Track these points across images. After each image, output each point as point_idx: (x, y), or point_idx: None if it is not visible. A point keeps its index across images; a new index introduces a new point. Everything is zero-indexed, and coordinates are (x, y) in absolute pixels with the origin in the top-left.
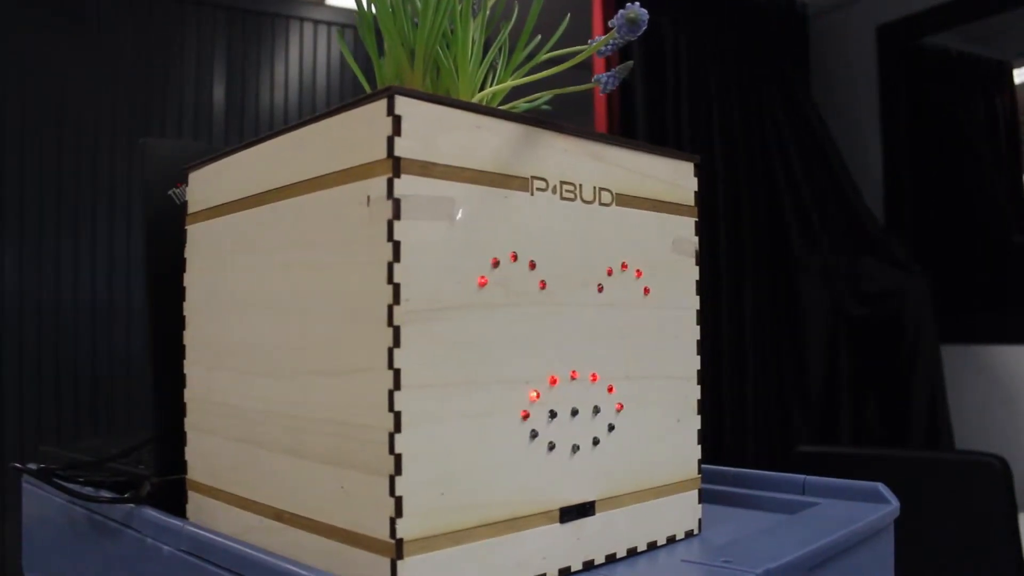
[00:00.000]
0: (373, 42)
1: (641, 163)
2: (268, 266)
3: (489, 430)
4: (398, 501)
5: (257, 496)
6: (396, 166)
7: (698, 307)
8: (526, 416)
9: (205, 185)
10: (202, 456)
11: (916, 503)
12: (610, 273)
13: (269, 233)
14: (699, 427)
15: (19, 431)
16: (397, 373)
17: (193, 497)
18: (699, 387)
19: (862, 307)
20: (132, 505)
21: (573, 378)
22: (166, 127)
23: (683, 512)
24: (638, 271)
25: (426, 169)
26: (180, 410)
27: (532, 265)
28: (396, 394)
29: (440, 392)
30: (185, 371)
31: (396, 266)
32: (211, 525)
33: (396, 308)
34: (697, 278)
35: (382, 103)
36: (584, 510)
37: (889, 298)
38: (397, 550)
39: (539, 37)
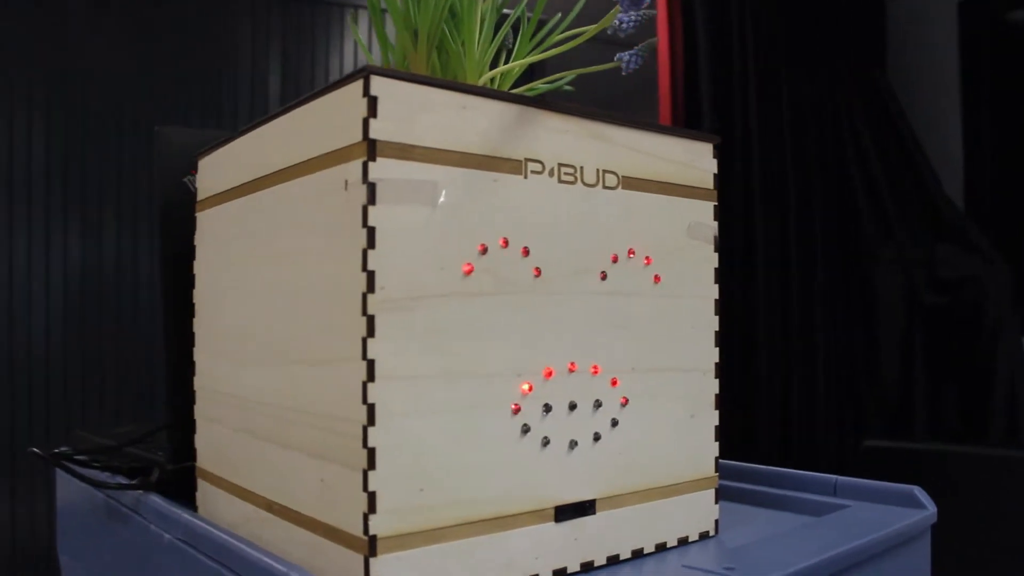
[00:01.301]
0: (381, 25)
1: (651, 144)
2: (259, 253)
3: (475, 424)
4: (371, 497)
5: (253, 486)
6: (371, 149)
7: (716, 296)
8: (517, 410)
9: (211, 172)
10: (208, 444)
11: (994, 503)
12: (615, 260)
13: (261, 219)
14: (716, 423)
15: (83, 415)
16: (371, 364)
17: (201, 485)
18: (717, 381)
19: (939, 296)
20: (140, 492)
21: (571, 371)
22: (222, 119)
23: (696, 512)
24: (647, 258)
25: (405, 152)
26: (191, 398)
27: (525, 252)
28: (370, 386)
29: (419, 384)
30: (195, 358)
31: (371, 253)
32: (214, 514)
33: (370, 296)
34: (716, 265)
35: (358, 84)
36: (583, 509)
37: (967, 287)
38: (370, 547)
39: (558, 15)
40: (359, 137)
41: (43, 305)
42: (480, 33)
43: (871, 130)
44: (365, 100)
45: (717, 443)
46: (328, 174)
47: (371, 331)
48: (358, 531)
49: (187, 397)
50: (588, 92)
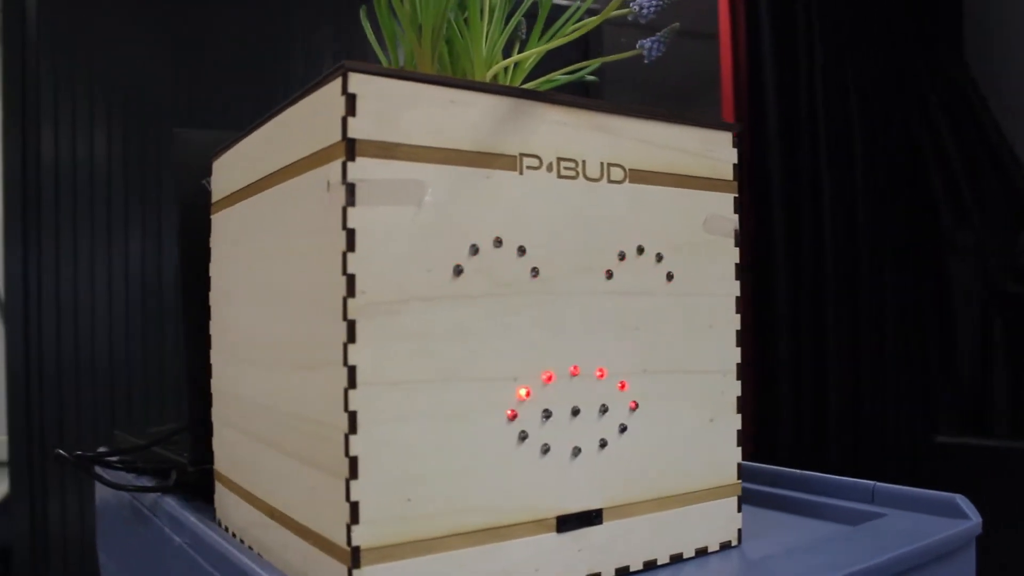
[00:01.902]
0: (388, 20)
1: (661, 134)
2: (258, 255)
3: (467, 431)
4: (353, 507)
5: (257, 491)
6: (350, 149)
7: (737, 293)
8: (514, 416)
9: (223, 173)
10: (222, 447)
11: None
12: (622, 258)
13: (259, 222)
14: (739, 427)
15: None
16: (352, 370)
17: (218, 488)
18: (739, 383)
19: (1020, 285)
20: (158, 494)
21: (574, 374)
22: None
23: (717, 521)
24: (658, 255)
25: (387, 150)
26: (209, 400)
27: (521, 251)
28: (351, 392)
29: (405, 390)
30: (211, 360)
31: (350, 256)
32: (227, 518)
33: (351, 301)
34: (737, 260)
35: (337, 82)
36: (588, 519)
37: None
38: (353, 558)
39: (576, 2)
40: (339, 137)
41: (107, 307)
42: (490, 24)
43: (946, 116)
44: (344, 98)
45: (740, 448)
46: (313, 175)
47: (352, 336)
48: (343, 541)
49: (206, 399)
50: (654, 85)
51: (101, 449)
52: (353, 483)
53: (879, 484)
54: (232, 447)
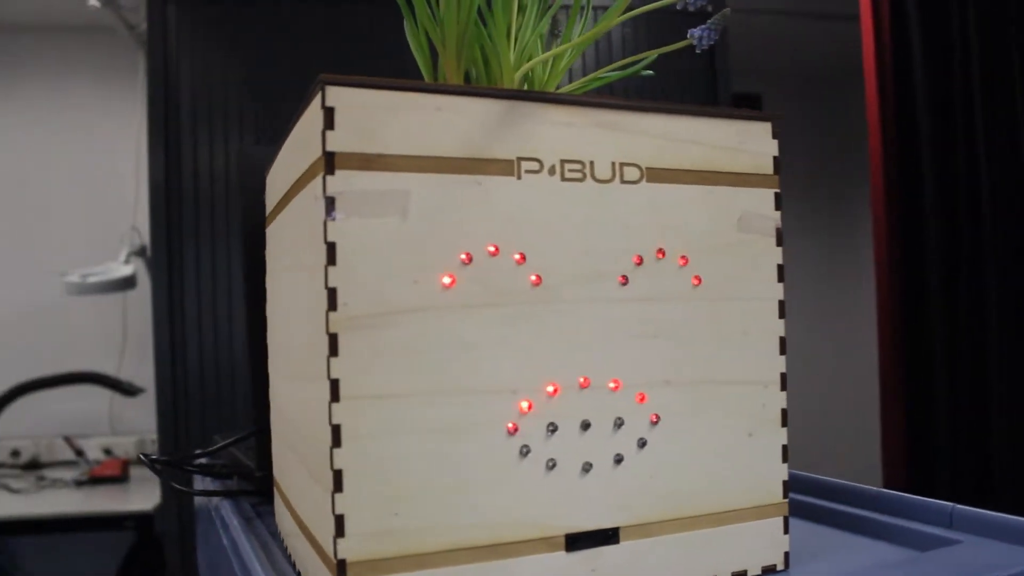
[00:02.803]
0: (415, 29)
1: (685, 129)
2: (283, 269)
3: (461, 445)
4: (339, 519)
5: (292, 500)
6: (329, 162)
7: (781, 297)
8: (514, 430)
9: (271, 188)
10: (275, 455)
11: None
12: (639, 262)
13: (281, 237)
14: (783, 442)
15: None
16: (335, 384)
17: (276, 493)
18: (784, 394)
19: None
20: (220, 498)
21: (583, 386)
22: None
23: (757, 543)
24: (683, 258)
25: (369, 162)
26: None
27: (521, 259)
28: (334, 406)
29: (393, 404)
30: (269, 370)
31: (331, 269)
32: (280, 524)
33: (332, 315)
34: (779, 261)
35: (319, 96)
36: (602, 538)
37: None
38: (339, 571)
39: None
40: (320, 151)
41: (243, 314)
42: (519, 23)
43: None
44: (323, 112)
45: (786, 465)
46: (308, 190)
47: (334, 350)
48: (332, 554)
49: (267, 407)
50: (790, 72)
51: (198, 452)
52: (338, 496)
53: (958, 507)
54: (279, 455)
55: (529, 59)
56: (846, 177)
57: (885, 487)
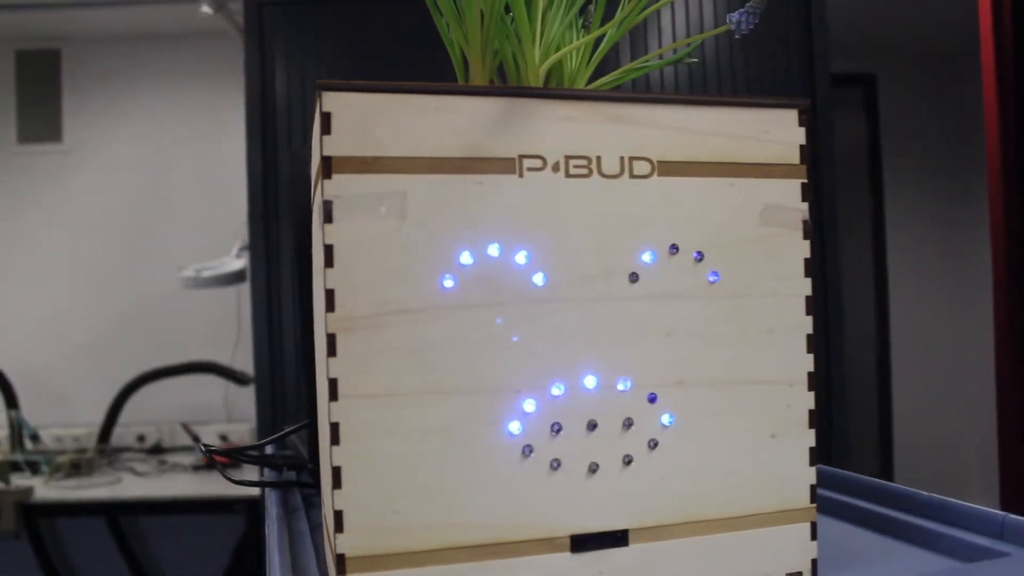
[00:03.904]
0: (446, 32)
1: (701, 120)
2: (315, 268)
3: (461, 444)
4: (337, 515)
5: (323, 494)
6: (327, 166)
7: (808, 292)
8: (517, 430)
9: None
10: (320, 447)
11: None
12: (651, 259)
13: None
14: (812, 444)
15: None
16: (333, 383)
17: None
18: (811, 394)
19: None
20: (268, 488)
21: (589, 386)
22: None
23: (782, 550)
24: (699, 253)
25: (367, 165)
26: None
27: (525, 258)
28: (332, 405)
29: (392, 403)
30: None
31: (328, 272)
32: (325, 516)
33: (330, 316)
34: (806, 255)
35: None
36: (609, 540)
37: None
38: (339, 566)
39: None
40: (319, 156)
41: None
42: (546, 17)
43: None
44: (320, 117)
45: (813, 468)
46: (317, 193)
47: (332, 350)
48: (333, 548)
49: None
50: (904, 50)
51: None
52: (336, 492)
53: (1011, 516)
54: (320, 448)
55: (556, 52)
56: (968, 160)
57: (1001, 487)
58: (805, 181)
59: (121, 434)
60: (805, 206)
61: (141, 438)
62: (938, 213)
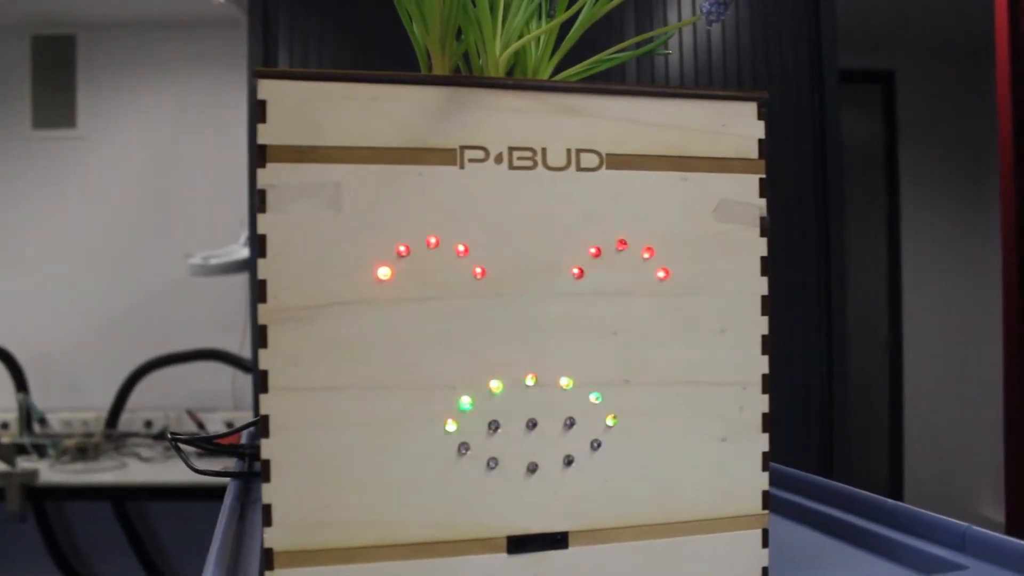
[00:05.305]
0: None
1: (654, 111)
2: None
3: (395, 441)
4: (266, 509)
5: None
6: (261, 155)
7: (764, 291)
8: (452, 427)
9: None
10: None
11: None
12: (597, 254)
13: None
14: (765, 448)
15: None
16: (264, 375)
17: None
18: (766, 396)
19: None
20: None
21: (530, 384)
22: None
23: (729, 557)
24: (648, 249)
25: (302, 154)
26: None
27: (464, 251)
28: (262, 397)
29: (323, 397)
30: None
31: (261, 262)
32: None
33: (261, 306)
34: (763, 253)
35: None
36: (548, 541)
37: None
38: (266, 560)
39: None
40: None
41: None
42: (508, 7)
43: None
44: (256, 105)
45: (766, 473)
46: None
47: (263, 341)
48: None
49: None
50: (929, 45)
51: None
52: (265, 486)
53: (972, 528)
54: None
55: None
56: (988, 160)
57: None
58: (763, 176)
59: (128, 419)
60: (763, 202)
61: (148, 424)
62: (955, 214)
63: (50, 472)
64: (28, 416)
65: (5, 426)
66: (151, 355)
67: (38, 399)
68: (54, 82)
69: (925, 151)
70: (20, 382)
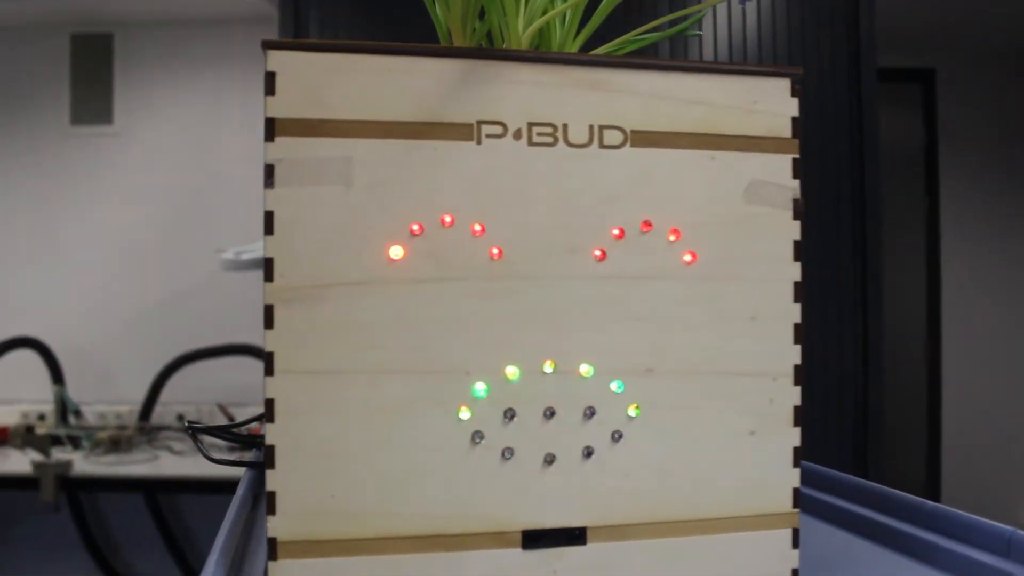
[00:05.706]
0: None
1: (680, 86)
2: None
3: (405, 428)
4: (270, 497)
5: None
6: (270, 129)
7: (796, 278)
8: (465, 414)
9: None
10: None
11: None
12: (620, 236)
13: None
14: (796, 443)
15: None
16: (270, 357)
17: None
18: (798, 388)
19: None
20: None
21: (548, 371)
22: None
23: (757, 557)
24: (674, 231)
25: (312, 128)
26: None
27: (481, 230)
28: (268, 380)
29: (333, 381)
30: None
31: (268, 239)
32: None
33: (268, 285)
34: (796, 237)
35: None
36: (564, 537)
37: None
38: (271, 549)
39: None
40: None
41: None
42: None
43: None
44: (264, 77)
45: (797, 470)
46: None
47: (269, 322)
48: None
49: None
50: (986, 46)
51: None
52: (270, 473)
53: (1018, 532)
54: None
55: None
56: None
57: None
58: (797, 156)
59: (161, 413)
60: (796, 184)
61: (180, 417)
62: (996, 216)
63: (84, 463)
64: (64, 408)
65: (42, 417)
66: (184, 349)
67: (73, 391)
68: (92, 79)
69: (966, 151)
70: (56, 374)
